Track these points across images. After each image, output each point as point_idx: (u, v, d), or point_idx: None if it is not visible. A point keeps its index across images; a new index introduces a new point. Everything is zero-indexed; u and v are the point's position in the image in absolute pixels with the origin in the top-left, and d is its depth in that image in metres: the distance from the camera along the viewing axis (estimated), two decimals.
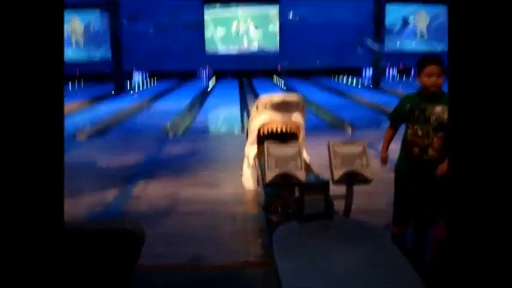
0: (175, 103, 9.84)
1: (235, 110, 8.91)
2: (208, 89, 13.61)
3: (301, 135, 3.37)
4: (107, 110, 8.97)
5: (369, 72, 18.84)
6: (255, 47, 18.44)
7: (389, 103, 9.87)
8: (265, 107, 3.22)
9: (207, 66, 18.51)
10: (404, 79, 16.76)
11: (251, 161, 3.34)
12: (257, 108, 3.32)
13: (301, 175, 1.86)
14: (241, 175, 3.82)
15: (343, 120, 7.03)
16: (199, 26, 18.28)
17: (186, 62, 18.26)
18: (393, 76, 18.02)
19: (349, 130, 6.30)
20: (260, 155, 3.34)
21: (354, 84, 14.95)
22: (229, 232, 2.80)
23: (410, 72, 18.95)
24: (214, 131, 7.20)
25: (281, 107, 3.18)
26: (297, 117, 3.26)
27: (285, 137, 3.34)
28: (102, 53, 17.86)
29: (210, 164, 4.44)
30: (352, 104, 9.80)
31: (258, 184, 3.53)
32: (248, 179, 3.62)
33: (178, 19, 17.98)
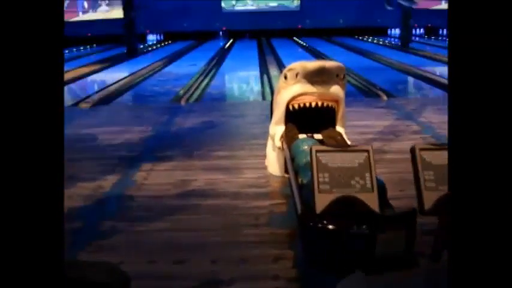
0: (190, 67, 9.15)
1: (254, 74, 8.20)
2: (225, 50, 12.83)
3: (341, 111, 2.70)
4: (116, 74, 8.34)
5: (395, 31, 17.80)
6: (274, 3, 17.43)
7: (421, 65, 9.07)
8: (297, 77, 2.54)
9: (224, 27, 17.65)
10: (432, 39, 15.69)
11: (277, 143, 2.68)
12: (285, 78, 2.64)
13: (373, 201, 1.22)
14: (264, 156, 3.18)
15: (375, 85, 6.29)
16: None
17: (202, 22, 17.42)
18: (420, 36, 16.92)
19: (384, 97, 5.57)
20: (289, 136, 2.68)
21: (380, 45, 14.00)
22: (251, 244, 2.16)
23: (438, 32, 17.86)
24: (232, 98, 6.51)
25: (317, 77, 2.49)
26: (336, 90, 2.58)
27: (321, 113, 2.67)
28: (116, 13, 17.13)
29: (227, 139, 3.79)
30: (382, 66, 8.98)
31: (285, 171, 2.89)
32: (273, 163, 2.97)
33: None
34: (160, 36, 18.44)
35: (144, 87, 7.16)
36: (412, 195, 2.73)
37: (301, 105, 2.60)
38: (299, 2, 17.51)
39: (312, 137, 2.73)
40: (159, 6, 16.98)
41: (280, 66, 9.07)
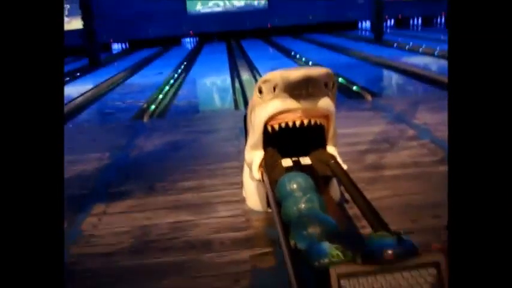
0: (155, 76, 8.51)
1: (224, 79, 7.63)
2: (193, 55, 12.20)
3: (332, 128, 2.15)
4: (76, 89, 7.65)
5: (365, 24, 17.48)
6: (241, 3, 16.87)
7: (399, 57, 8.64)
8: (275, 90, 1.98)
9: (191, 31, 17.02)
10: (403, 30, 15.38)
11: (256, 175, 2.12)
12: (260, 92, 2.07)
13: None
14: (240, 183, 2.63)
15: (357, 84, 5.79)
16: None
17: (167, 27, 16.76)
18: (391, 27, 16.61)
19: (368, 97, 5.06)
20: (269, 163, 2.12)
21: (352, 39, 13.57)
22: None
23: (409, 23, 17.61)
24: (201, 109, 5.91)
25: (301, 89, 1.93)
26: (325, 103, 2.02)
27: (307, 132, 2.12)
28: (75, 24, 16.31)
29: (196, 164, 3.21)
30: (358, 62, 8.51)
31: (267, 204, 2.34)
32: (252, 195, 2.41)
33: None
34: (125, 44, 17.70)
35: (104, 103, 6.51)
36: (428, 227, 2.23)
37: (283, 125, 2.04)
38: (266, 0, 17.00)
39: (298, 161, 2.18)
40: (122, 14, 16.24)
41: (252, 69, 8.52)
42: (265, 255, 1.98)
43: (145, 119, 4.83)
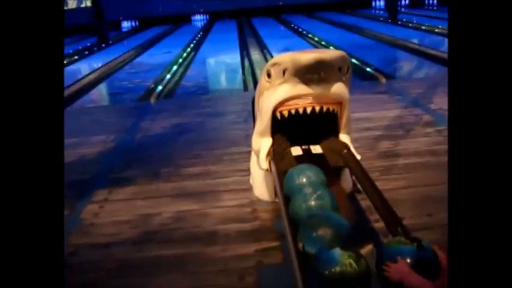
0: (164, 55, 8.36)
1: (234, 59, 7.45)
2: (203, 34, 11.99)
3: (345, 115, 2.01)
4: (84, 68, 7.55)
5: (379, 3, 17.08)
6: None
7: (413, 38, 8.37)
8: (285, 74, 1.84)
9: (201, 9, 16.74)
10: (418, 10, 14.97)
11: (263, 164, 1.99)
12: (268, 75, 1.93)
13: None
14: (248, 170, 2.51)
15: (371, 65, 5.59)
16: None
17: (177, 5, 16.50)
18: (406, 6, 16.19)
19: (383, 79, 4.88)
20: (278, 152, 1.99)
21: (366, 18, 13.24)
22: None
23: (424, 2, 17.16)
24: (209, 90, 5.76)
25: (313, 73, 1.78)
26: (338, 88, 1.88)
27: (319, 119, 1.98)
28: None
29: (202, 148, 3.09)
30: (372, 42, 8.26)
31: (275, 194, 2.22)
32: (260, 184, 2.29)
33: None
34: (134, 22, 17.48)
35: (111, 83, 6.39)
36: (446, 223, 2.10)
37: (293, 112, 1.91)
38: None
39: (309, 150, 2.05)
40: None
41: (263, 48, 8.33)
42: (272, 250, 1.87)
43: (152, 100, 4.71)
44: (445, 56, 5.98)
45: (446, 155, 2.76)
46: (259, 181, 2.28)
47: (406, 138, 3.05)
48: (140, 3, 16.39)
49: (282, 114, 1.93)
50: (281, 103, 1.90)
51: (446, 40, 7.65)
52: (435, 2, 16.87)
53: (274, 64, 1.87)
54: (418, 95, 4.12)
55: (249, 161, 2.51)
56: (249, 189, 2.39)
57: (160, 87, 5.42)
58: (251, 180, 2.42)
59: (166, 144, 3.24)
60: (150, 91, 5.27)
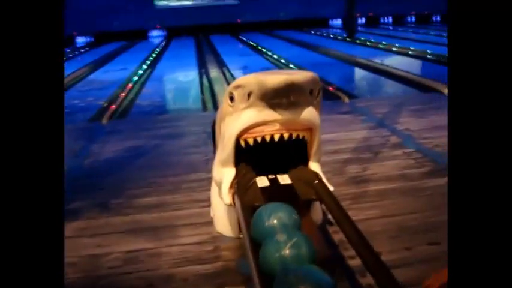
0: (119, 72, 8.03)
1: (192, 76, 7.23)
2: (159, 51, 11.71)
3: (316, 142, 1.82)
4: None
5: (336, 22, 17.34)
6: None
7: (373, 56, 8.41)
8: (249, 98, 1.63)
9: (158, 25, 16.47)
10: (373, 29, 15.28)
11: (226, 199, 1.77)
12: (231, 98, 1.73)
13: None
14: (208, 200, 2.29)
15: (333, 84, 5.50)
16: None
17: (134, 21, 16.16)
18: (362, 25, 16.47)
19: (345, 99, 4.77)
20: (242, 183, 1.78)
21: (324, 36, 13.34)
22: None
23: (379, 21, 17.57)
24: (166, 110, 5.49)
25: (281, 97, 1.59)
26: (309, 114, 1.69)
27: (288, 147, 1.79)
28: None
29: (157, 176, 2.83)
30: (331, 60, 8.24)
31: (240, 231, 2.00)
32: (221, 218, 2.06)
33: None
34: (89, 38, 16.98)
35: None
36: (425, 257, 1.93)
37: (259, 139, 1.70)
38: None
39: (276, 180, 1.85)
40: (87, 5, 15.53)
41: (222, 66, 8.15)
42: None
43: (105, 120, 4.40)
44: (405, 74, 5.98)
45: (417, 179, 2.62)
46: (221, 214, 2.05)
47: (375, 161, 2.91)
48: (95, 18, 15.94)
49: (246, 142, 1.72)
50: (246, 130, 1.69)
51: (405, 59, 7.72)
52: (390, 21, 17.31)
53: (238, 87, 1.67)
54: (382, 115, 4.02)
55: (209, 189, 2.29)
56: (210, 222, 2.16)
57: (113, 107, 5.11)
58: (212, 213, 2.19)
59: (118, 171, 2.97)
60: (103, 110, 4.95)
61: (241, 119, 1.68)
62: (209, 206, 2.25)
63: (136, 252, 1.97)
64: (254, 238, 1.34)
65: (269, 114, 1.63)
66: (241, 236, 1.97)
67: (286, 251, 1.12)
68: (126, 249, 2.00)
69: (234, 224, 1.99)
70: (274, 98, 1.58)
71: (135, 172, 2.92)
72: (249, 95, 1.63)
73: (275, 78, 1.53)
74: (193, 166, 2.94)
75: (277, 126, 1.69)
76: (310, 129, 1.76)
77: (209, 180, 2.44)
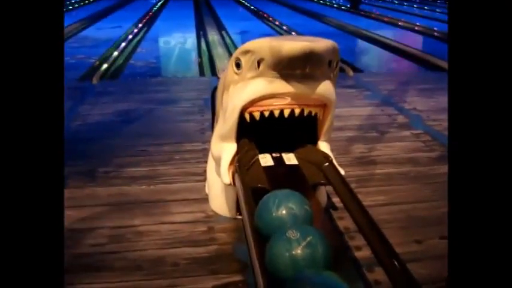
0: (113, 29, 7.69)
1: (189, 39, 6.93)
2: (156, 9, 11.29)
3: (329, 120, 1.63)
4: None
5: None
6: None
7: (378, 29, 8.14)
8: (259, 66, 1.43)
9: None
10: (378, 1, 14.88)
11: (225, 179, 1.58)
12: (238, 65, 1.52)
13: None
14: (203, 174, 2.11)
15: None
16: None
17: None
18: None
19: (350, 72, 4.56)
20: (244, 161, 1.59)
21: (328, 6, 12.96)
22: None
23: None
24: (160, 72, 5.23)
25: (296, 66, 1.39)
26: (325, 88, 1.50)
27: (297, 124, 1.60)
28: None
29: (148, 143, 2.64)
30: (335, 31, 7.96)
31: (237, 210, 1.83)
32: (218, 197, 1.89)
33: None
34: None
35: None
36: (436, 252, 1.78)
37: (266, 114, 1.51)
38: None
39: (281, 159, 1.67)
40: None
41: (221, 29, 7.84)
42: (232, 286, 1.48)
43: (95, 80, 4.16)
44: (411, 51, 5.75)
45: (427, 164, 2.43)
46: (218, 191, 1.88)
47: (381, 142, 2.73)
48: None
49: (252, 116, 1.53)
50: (252, 102, 1.49)
51: (410, 34, 7.47)
52: None
53: (247, 52, 1.46)
54: (388, 92, 3.82)
55: (204, 161, 2.12)
56: (204, 199, 1.99)
57: (105, 66, 4.85)
58: (207, 189, 2.02)
59: (106, 136, 2.76)
60: (94, 69, 4.70)
61: (248, 89, 1.48)
62: (204, 180, 2.08)
63: (123, 229, 1.80)
64: (259, 229, 1.16)
65: (281, 86, 1.44)
66: (238, 216, 1.81)
67: (299, 251, 0.95)
68: (111, 225, 1.83)
69: (232, 203, 1.82)
70: (288, 68, 1.38)
71: (124, 139, 2.72)
72: (258, 62, 1.43)
73: (291, 45, 1.32)
74: (187, 135, 2.75)
75: (288, 100, 1.49)
76: (324, 105, 1.56)
77: (205, 151, 2.26)
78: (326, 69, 1.46)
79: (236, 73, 1.53)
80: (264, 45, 1.39)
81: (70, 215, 1.90)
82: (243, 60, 1.48)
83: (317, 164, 1.62)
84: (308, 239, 0.96)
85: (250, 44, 1.46)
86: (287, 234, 0.98)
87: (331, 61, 1.45)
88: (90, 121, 3.05)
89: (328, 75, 1.49)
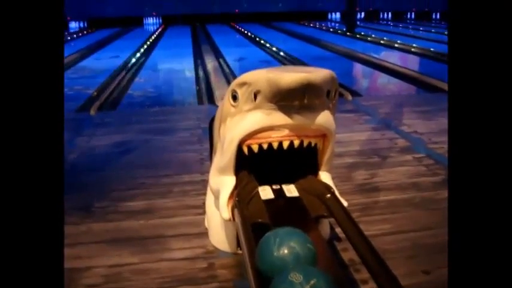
0: (110, 59, 7.73)
1: (187, 67, 6.96)
2: (154, 39, 11.39)
3: (329, 149, 1.60)
4: None
5: (335, 16, 17.13)
6: None
7: (374, 52, 8.18)
8: (257, 97, 1.40)
9: (154, 12, 16.13)
10: (373, 24, 15.05)
11: (224, 214, 1.53)
12: (234, 97, 1.49)
13: None
14: (202, 207, 2.06)
15: None
16: None
17: (129, 7, 15.82)
18: (361, 20, 16.22)
19: (349, 96, 4.55)
20: (243, 194, 1.55)
21: (323, 30, 13.08)
22: None
23: (379, 17, 17.36)
24: (158, 101, 5.20)
25: (294, 97, 1.36)
26: (324, 118, 1.46)
27: (296, 155, 1.56)
28: None
29: (146, 176, 2.60)
30: (333, 55, 7.99)
31: (238, 244, 1.77)
32: (218, 231, 1.83)
33: None
34: (83, 23, 16.61)
35: None
36: (445, 282, 1.71)
37: (265, 146, 1.47)
38: None
39: (282, 192, 1.63)
40: None
41: (218, 56, 7.88)
42: None
43: (93, 111, 4.14)
44: (409, 72, 5.76)
45: (431, 189, 2.37)
46: (217, 226, 1.82)
47: (383, 167, 2.69)
48: (89, 3, 15.58)
49: (250, 149, 1.49)
50: (250, 135, 1.46)
51: (407, 56, 7.50)
52: (390, 17, 17.09)
53: (243, 84, 1.43)
54: (388, 115, 3.80)
55: (203, 193, 2.07)
56: (204, 234, 1.93)
57: (103, 96, 4.85)
58: (206, 223, 1.96)
59: (104, 169, 2.72)
60: (92, 100, 4.69)
61: (245, 122, 1.44)
62: (203, 213, 2.02)
63: (120, 268, 1.74)
64: (260, 269, 1.11)
65: (279, 118, 1.40)
66: (239, 251, 1.75)
67: (286, 251, 0.91)
68: (108, 264, 1.76)
69: (232, 238, 1.76)
70: (286, 99, 1.35)
71: (122, 171, 2.68)
72: (255, 94, 1.40)
73: (289, 77, 1.29)
74: (186, 166, 2.71)
75: (286, 131, 1.45)
76: (324, 135, 1.53)
77: (204, 183, 2.21)
78: (324, 100, 1.43)
79: (233, 105, 1.50)
80: (261, 77, 1.36)
81: (67, 254, 1.83)
82: (240, 93, 1.45)
83: (319, 196, 1.57)
84: (312, 282, 0.91)
85: (247, 76, 1.43)
86: (290, 277, 0.93)
87: (330, 91, 1.42)
88: (88, 153, 3.01)
89: (327, 105, 1.46)
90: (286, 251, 1.06)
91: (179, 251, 1.83)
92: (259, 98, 1.39)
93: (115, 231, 2.01)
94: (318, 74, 1.33)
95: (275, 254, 1.07)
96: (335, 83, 1.45)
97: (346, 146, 3.02)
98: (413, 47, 8.32)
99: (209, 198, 1.87)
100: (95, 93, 4.92)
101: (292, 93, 1.32)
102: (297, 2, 16.19)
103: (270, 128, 1.43)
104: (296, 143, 1.47)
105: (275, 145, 1.46)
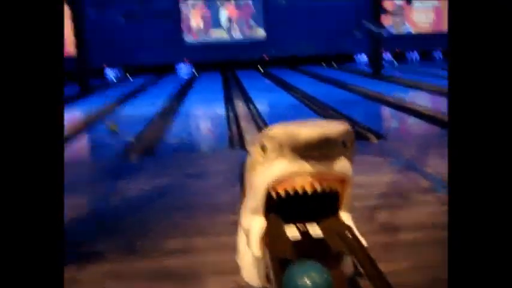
0: (147, 107, 8.16)
1: (219, 112, 7.29)
2: (186, 84, 11.90)
3: (347, 193, 1.78)
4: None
5: (361, 58, 17.41)
6: (238, 34, 16.71)
7: (400, 94, 8.35)
8: (282, 149, 1.62)
9: (186, 59, 16.79)
10: (400, 65, 15.26)
11: (255, 252, 1.73)
12: (263, 148, 1.71)
13: None
14: (234, 249, 2.24)
15: (360, 124, 5.44)
16: (175, 13, 16.51)
17: (163, 55, 16.53)
18: (388, 61, 16.43)
19: (374, 139, 4.72)
20: (273, 235, 1.74)
21: (350, 72, 13.36)
22: None
23: (406, 57, 17.55)
24: (192, 147, 5.50)
25: (313, 149, 1.57)
26: (342, 165, 1.67)
27: (318, 199, 1.75)
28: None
29: (184, 217, 2.81)
30: (358, 98, 8.20)
31: (268, 280, 1.94)
32: (249, 268, 2.01)
33: (151, 6, 16.15)
34: (119, 70, 17.39)
35: (88, 137, 6.12)
36: None
37: (290, 191, 1.67)
38: (265, 31, 16.87)
39: (307, 231, 1.81)
40: (117, 38, 15.99)
41: (248, 102, 8.21)
42: None
43: (132, 157, 4.44)
44: (435, 114, 5.90)
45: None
46: (248, 263, 2.00)
47: (405, 208, 2.83)
48: (125, 51, 16.35)
49: (277, 193, 1.70)
50: (278, 181, 1.67)
51: (434, 97, 7.64)
52: (417, 57, 17.26)
53: (269, 138, 1.66)
54: (411, 157, 3.95)
55: (235, 233, 2.25)
56: (236, 270, 2.11)
57: (141, 143, 5.17)
58: (238, 260, 2.15)
59: (143, 211, 2.96)
60: (131, 146, 5.01)
61: (273, 169, 1.65)
62: (236, 251, 2.21)
63: None
64: None
65: (301, 166, 1.61)
66: (268, 286, 1.92)
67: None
68: None
69: (262, 273, 1.93)
70: (306, 151, 1.56)
71: (160, 212, 2.91)
72: (281, 146, 1.61)
73: (307, 133, 1.51)
74: (219, 208, 2.91)
75: (308, 177, 1.66)
76: (342, 180, 1.72)
77: (235, 223, 2.40)
78: (341, 149, 1.63)
79: (261, 155, 1.72)
80: (283, 133, 1.59)
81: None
82: (267, 144, 1.67)
83: (339, 234, 1.75)
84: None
85: (272, 132, 1.66)
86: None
87: (345, 141, 1.63)
88: (128, 197, 3.26)
89: (343, 153, 1.66)
90: (307, 281, 1.24)
91: (214, 286, 2.02)
92: (283, 149, 1.60)
93: (155, 268, 2.22)
94: (333, 129, 1.54)
95: (298, 283, 1.25)
96: (350, 134, 1.65)
97: (369, 188, 3.18)
98: (440, 88, 8.45)
99: (240, 237, 2.06)
100: (133, 140, 5.24)
101: (311, 147, 1.53)
102: (322, 45, 16.58)
103: (294, 175, 1.64)
104: (318, 187, 1.66)
105: (299, 189, 1.66)
